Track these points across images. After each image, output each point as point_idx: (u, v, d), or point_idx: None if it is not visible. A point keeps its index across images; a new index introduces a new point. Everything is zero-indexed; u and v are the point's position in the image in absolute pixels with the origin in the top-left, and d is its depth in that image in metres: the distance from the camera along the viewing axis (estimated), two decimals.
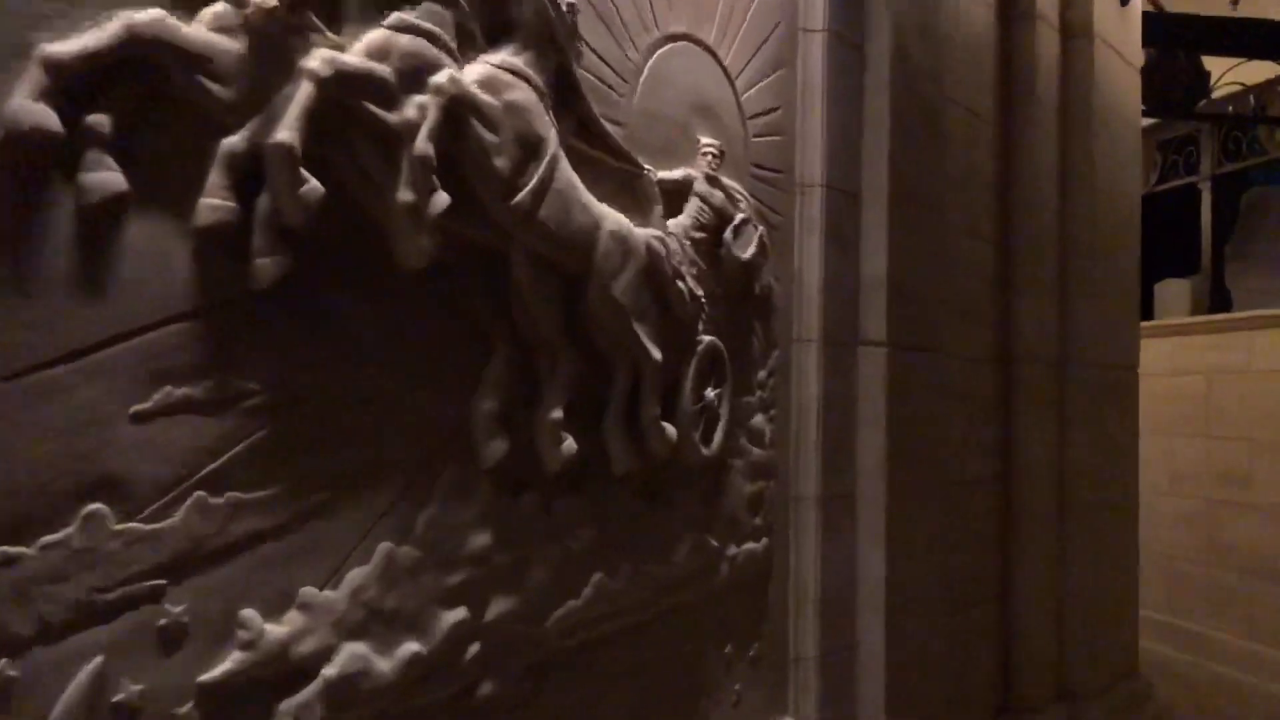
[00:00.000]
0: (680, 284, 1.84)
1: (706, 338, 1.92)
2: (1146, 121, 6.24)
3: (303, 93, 1.18)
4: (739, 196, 2.03)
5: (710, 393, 1.94)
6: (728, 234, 1.99)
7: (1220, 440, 5.28)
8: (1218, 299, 5.54)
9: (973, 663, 2.79)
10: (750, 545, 2.08)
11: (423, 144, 1.28)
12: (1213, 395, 5.36)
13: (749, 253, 2.03)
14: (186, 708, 1.15)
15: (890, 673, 2.29)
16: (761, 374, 2.14)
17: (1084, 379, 3.14)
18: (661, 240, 1.78)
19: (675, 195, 1.92)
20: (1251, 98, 5.63)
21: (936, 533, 2.51)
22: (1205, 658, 5.27)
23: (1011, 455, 2.99)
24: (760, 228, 2.07)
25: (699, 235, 1.94)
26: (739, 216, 2.01)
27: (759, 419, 2.13)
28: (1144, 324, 5.92)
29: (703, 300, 1.91)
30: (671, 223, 1.88)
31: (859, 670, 2.28)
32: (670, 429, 1.81)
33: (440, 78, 1.32)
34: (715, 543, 1.98)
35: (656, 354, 1.75)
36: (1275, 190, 8.26)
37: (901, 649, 2.33)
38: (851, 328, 2.33)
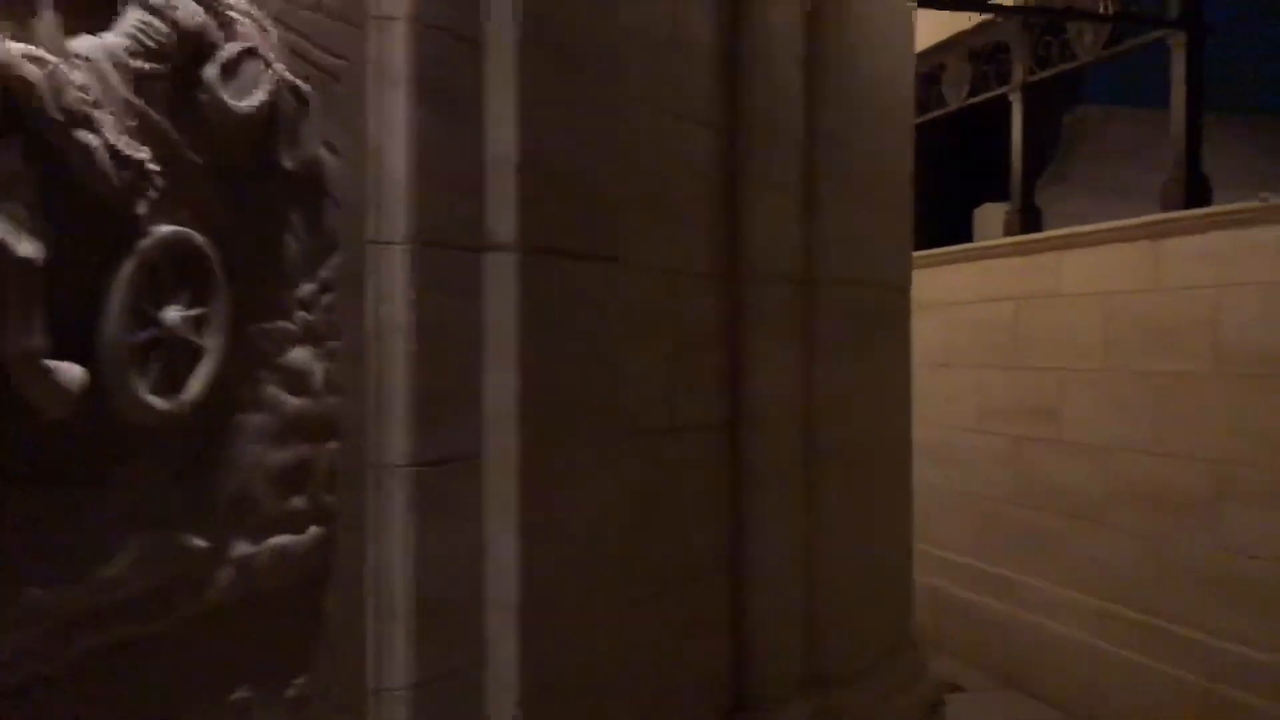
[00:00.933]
0: (91, 137, 1.14)
1: (164, 228, 1.23)
2: (957, 27, 5.78)
3: None
4: (234, 15, 1.33)
5: (175, 314, 1.25)
6: (210, 71, 1.30)
7: (1029, 372, 4.91)
8: (1029, 220, 5.14)
9: (685, 658, 2.22)
10: (282, 539, 1.42)
11: None
12: (1021, 323, 4.98)
13: (252, 102, 1.34)
14: None
15: (531, 696, 1.68)
16: (307, 289, 1.47)
17: (840, 301, 2.58)
18: (45, 63, 1.08)
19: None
20: None
21: (616, 500, 1.91)
22: (1015, 605, 4.94)
23: (742, 396, 2.41)
24: (281, 67, 1.38)
25: (147, 67, 1.24)
26: (232, 46, 1.32)
27: (301, 354, 1.45)
28: (950, 248, 5.50)
29: (149, 167, 1.21)
30: (83, 41, 1.17)
31: (486, 698, 1.66)
32: (70, 370, 1.12)
33: None
34: (202, 541, 1.31)
35: (23, 247, 1.06)
36: (1099, 110, 8.01)
37: (549, 663, 1.72)
38: (472, 226, 1.68)
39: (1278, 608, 3.62)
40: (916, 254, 5.96)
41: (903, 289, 2.97)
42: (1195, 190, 4.12)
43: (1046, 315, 4.80)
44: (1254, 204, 3.69)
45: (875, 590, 2.72)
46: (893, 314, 2.92)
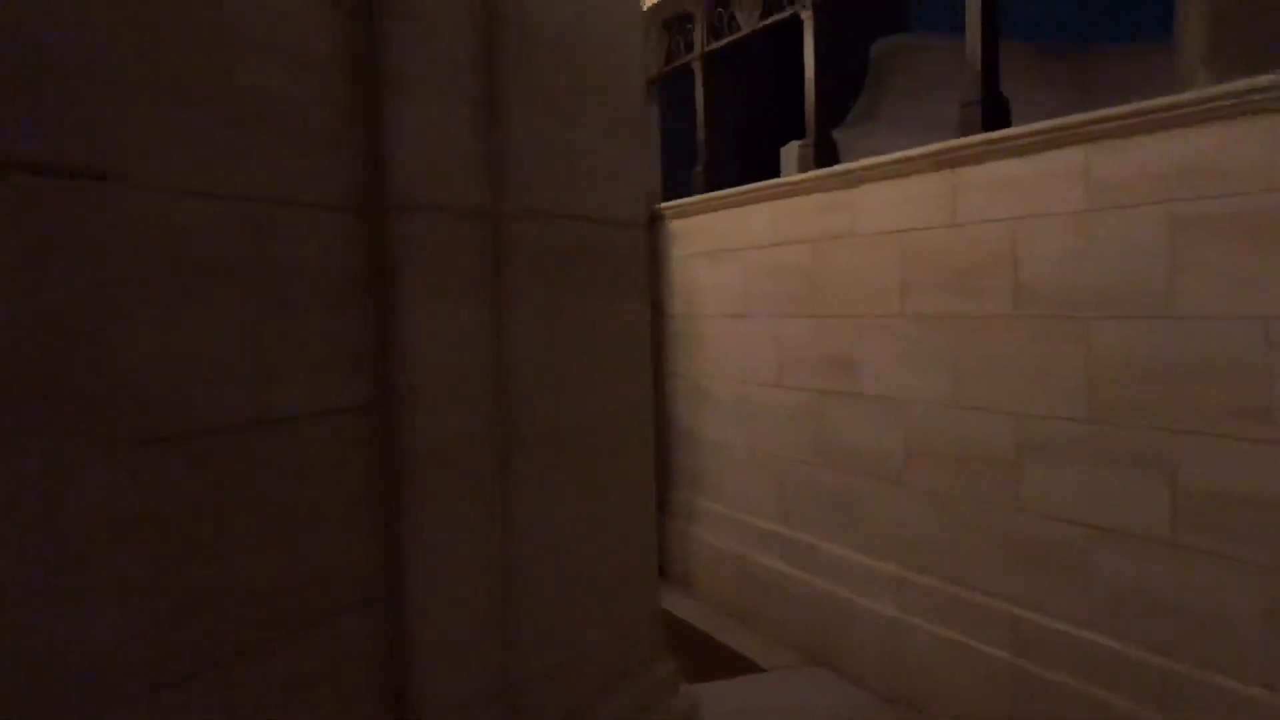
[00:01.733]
0: None
1: None
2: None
3: None
4: None
5: None
6: None
7: (827, 320, 4.46)
8: (824, 154, 4.67)
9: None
10: None
11: None
12: (818, 267, 4.52)
13: None
14: None
15: None
16: None
17: (541, 241, 1.96)
18: None
19: None
20: None
21: (135, 532, 1.25)
22: (819, 575, 4.52)
23: (394, 368, 1.77)
24: None
25: None
26: None
27: None
28: (744, 188, 4.99)
29: None
30: None
31: None
32: None
33: None
34: None
35: None
36: (913, 39, 7.61)
37: None
38: None
39: (1079, 575, 3.27)
40: (713, 195, 5.49)
41: (631, 223, 2.39)
42: (993, 114, 3.70)
43: (842, 258, 4.35)
44: (1055, 123, 3.27)
45: (598, 606, 2.14)
46: (622, 257, 2.33)
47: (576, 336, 2.10)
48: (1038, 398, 3.40)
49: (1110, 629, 3.16)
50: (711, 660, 4.59)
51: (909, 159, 3.91)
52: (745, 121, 6.12)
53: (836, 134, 5.07)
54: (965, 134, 3.70)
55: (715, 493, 5.38)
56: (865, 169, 4.16)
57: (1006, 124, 3.65)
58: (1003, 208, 3.52)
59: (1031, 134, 3.36)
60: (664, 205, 5.77)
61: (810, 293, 4.56)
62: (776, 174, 4.98)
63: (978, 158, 3.61)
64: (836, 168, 4.36)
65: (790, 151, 5.10)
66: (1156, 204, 3.00)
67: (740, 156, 6.04)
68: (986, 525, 3.63)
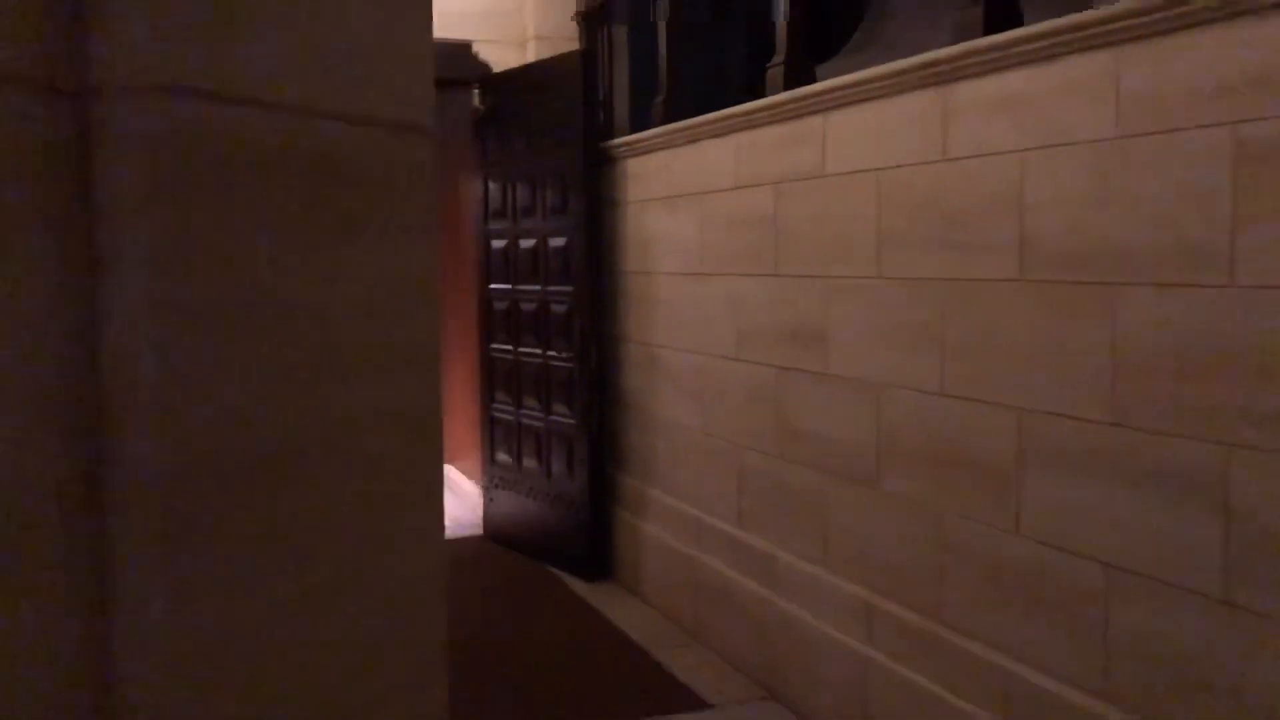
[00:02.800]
0: None
1: None
2: None
3: None
4: None
5: None
6: None
7: (792, 281, 3.61)
8: (797, 75, 3.78)
9: None
10: None
11: None
12: (782, 215, 3.67)
13: None
14: None
15: None
16: None
17: (192, 141, 1.15)
18: None
19: None
20: None
21: None
22: (777, 590, 3.73)
23: None
24: None
25: None
26: None
27: None
28: (702, 118, 4.13)
29: None
30: None
31: None
32: None
33: None
34: None
35: None
36: None
37: None
38: None
39: (1090, 627, 2.45)
40: (671, 128, 4.62)
41: (410, 130, 1.55)
42: (1000, 14, 2.81)
43: (810, 203, 3.49)
44: (1075, 19, 2.40)
45: (345, 685, 1.34)
46: (389, 178, 1.49)
47: (283, 302, 1.26)
48: (1045, 389, 2.57)
49: (1132, 704, 2.35)
50: (650, 689, 3.82)
51: (890, 75, 3.04)
52: (727, 43, 5.19)
53: (829, 65, 4.17)
54: (962, 40, 2.82)
55: (668, 481, 4.58)
56: (837, 90, 3.29)
57: (1017, 23, 2.77)
58: (1007, 136, 2.66)
59: (1043, 35, 2.49)
60: (616, 141, 4.91)
61: (773, 247, 3.72)
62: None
63: (976, 70, 2.74)
64: (801, 89, 3.49)
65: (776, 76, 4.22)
66: (1214, 127, 2.14)
67: (720, 85, 5.13)
68: (974, 548, 2.82)
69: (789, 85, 3.68)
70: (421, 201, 1.43)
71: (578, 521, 4.98)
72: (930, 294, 2.94)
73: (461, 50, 5.50)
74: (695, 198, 4.26)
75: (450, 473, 6.84)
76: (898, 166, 3.05)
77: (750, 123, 3.83)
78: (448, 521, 6.15)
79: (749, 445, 3.92)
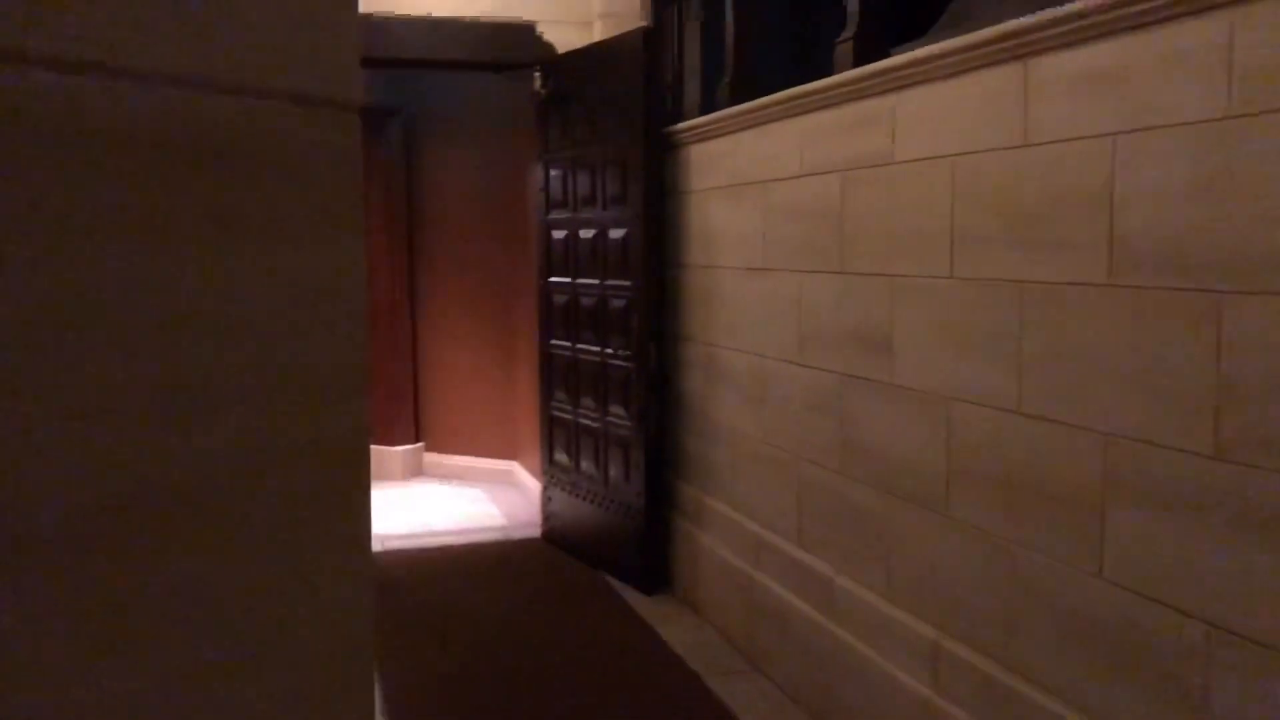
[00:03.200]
0: None
1: None
2: None
3: None
4: None
5: None
6: None
7: (858, 280, 3.28)
8: (869, 50, 3.42)
9: None
10: None
11: None
12: (849, 206, 3.33)
13: None
14: None
15: None
16: None
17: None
18: None
19: None
20: None
21: None
22: (837, 618, 3.41)
23: None
24: None
25: None
26: None
27: None
28: (767, 99, 3.81)
29: None
30: None
31: None
32: None
33: None
34: None
35: None
36: None
37: None
38: None
39: (1187, 698, 2.08)
40: (735, 110, 4.30)
41: (328, 105, 1.29)
42: None
43: (877, 193, 3.15)
44: None
45: None
46: (302, 165, 1.24)
47: (140, 315, 1.02)
48: (1136, 412, 2.20)
49: None
50: None
51: (964, 49, 2.68)
52: (804, 20, 4.84)
53: (911, 44, 3.80)
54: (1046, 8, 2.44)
55: (726, 491, 4.28)
56: (906, 67, 2.94)
57: None
58: (1096, 116, 2.28)
59: None
60: (680, 126, 4.61)
61: (838, 241, 3.38)
62: None
63: (1062, 41, 2.36)
64: (868, 66, 3.14)
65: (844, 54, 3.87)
66: None
67: (797, 66, 4.77)
68: (1052, 590, 2.46)
69: (859, 62, 3.32)
70: (344, 193, 1.15)
71: (634, 530, 4.72)
72: (1007, 297, 2.58)
73: (525, 31, 5.26)
74: (759, 186, 3.95)
75: (515, 469, 6.65)
76: (972, 152, 2.69)
77: (816, 104, 3.49)
78: (507, 519, 5.98)
79: (809, 457, 3.60)
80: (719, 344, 4.32)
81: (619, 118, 4.70)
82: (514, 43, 5.27)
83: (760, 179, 3.93)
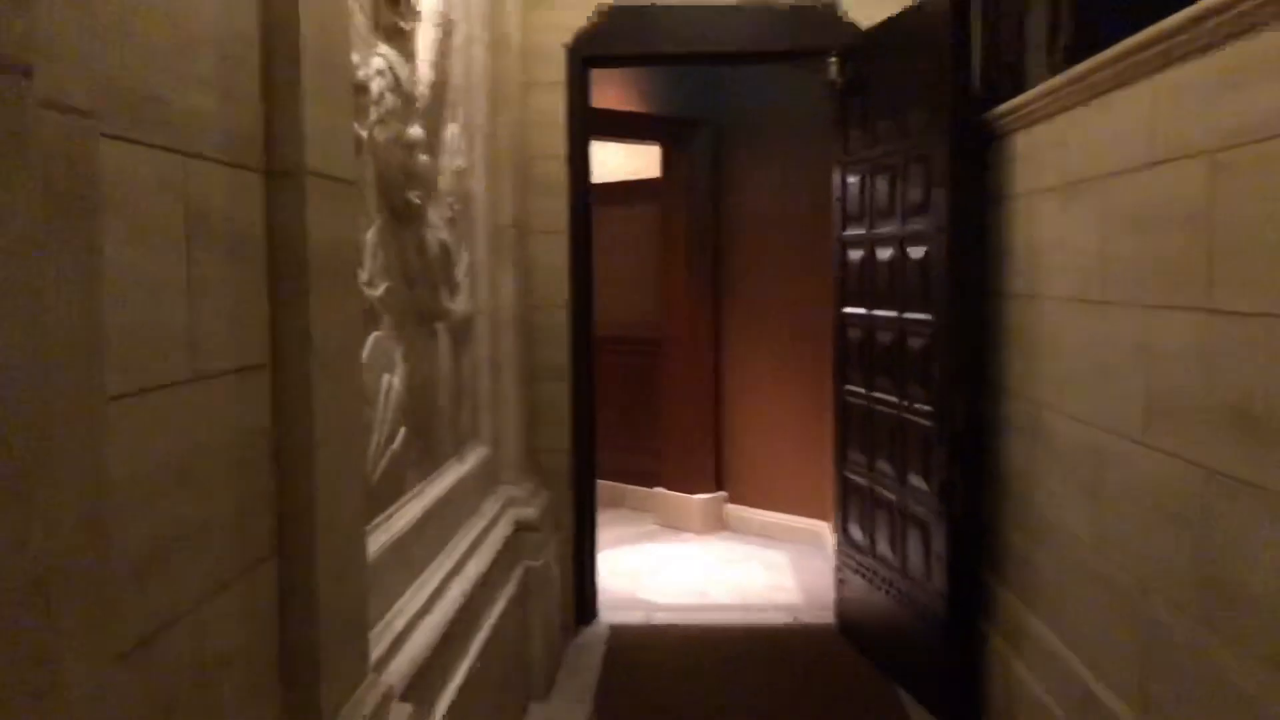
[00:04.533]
0: None
1: None
2: None
3: None
4: None
5: None
6: None
7: (1235, 321, 2.04)
8: None
9: None
10: None
11: None
12: (1222, 207, 2.10)
13: None
14: None
15: None
16: None
17: None
18: None
19: None
20: None
21: None
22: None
23: None
24: None
25: None
26: None
27: None
28: (1103, 55, 2.65)
29: None
30: None
31: None
32: None
33: None
34: None
35: None
36: None
37: None
38: None
39: None
40: (1066, 76, 3.05)
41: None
42: None
43: (1271, 185, 1.91)
44: None
45: None
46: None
47: None
48: None
49: None
50: None
51: None
52: None
53: None
54: None
55: (1050, 609, 3.08)
56: None
57: None
58: None
59: None
60: (1000, 110, 3.46)
61: (1205, 262, 2.15)
62: None
63: None
64: None
65: None
66: None
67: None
68: None
69: None
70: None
71: (934, 641, 3.62)
72: None
73: (826, 11, 4.35)
74: (1095, 184, 2.75)
75: (824, 531, 5.70)
76: None
77: (1172, 52, 2.28)
78: (803, 595, 5.04)
79: (1158, 588, 2.37)
80: (1045, 403, 3.13)
81: (923, 106, 3.66)
82: (813, 25, 4.38)
83: (1096, 174, 2.73)
